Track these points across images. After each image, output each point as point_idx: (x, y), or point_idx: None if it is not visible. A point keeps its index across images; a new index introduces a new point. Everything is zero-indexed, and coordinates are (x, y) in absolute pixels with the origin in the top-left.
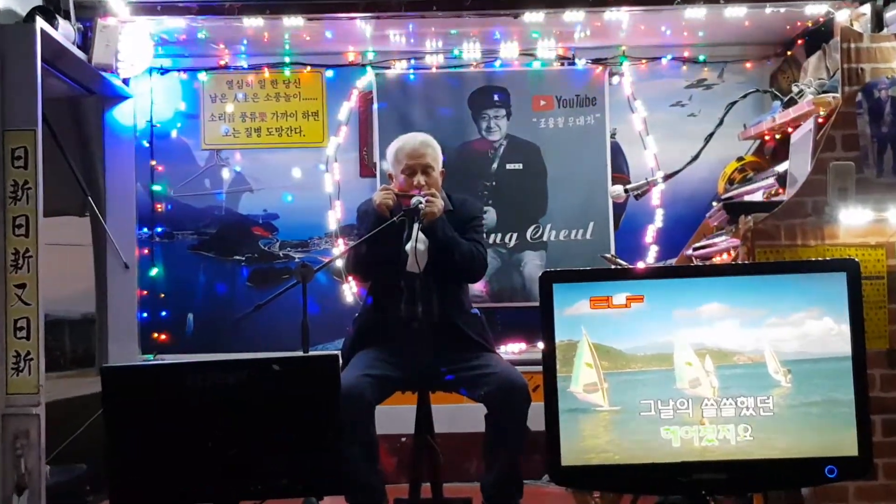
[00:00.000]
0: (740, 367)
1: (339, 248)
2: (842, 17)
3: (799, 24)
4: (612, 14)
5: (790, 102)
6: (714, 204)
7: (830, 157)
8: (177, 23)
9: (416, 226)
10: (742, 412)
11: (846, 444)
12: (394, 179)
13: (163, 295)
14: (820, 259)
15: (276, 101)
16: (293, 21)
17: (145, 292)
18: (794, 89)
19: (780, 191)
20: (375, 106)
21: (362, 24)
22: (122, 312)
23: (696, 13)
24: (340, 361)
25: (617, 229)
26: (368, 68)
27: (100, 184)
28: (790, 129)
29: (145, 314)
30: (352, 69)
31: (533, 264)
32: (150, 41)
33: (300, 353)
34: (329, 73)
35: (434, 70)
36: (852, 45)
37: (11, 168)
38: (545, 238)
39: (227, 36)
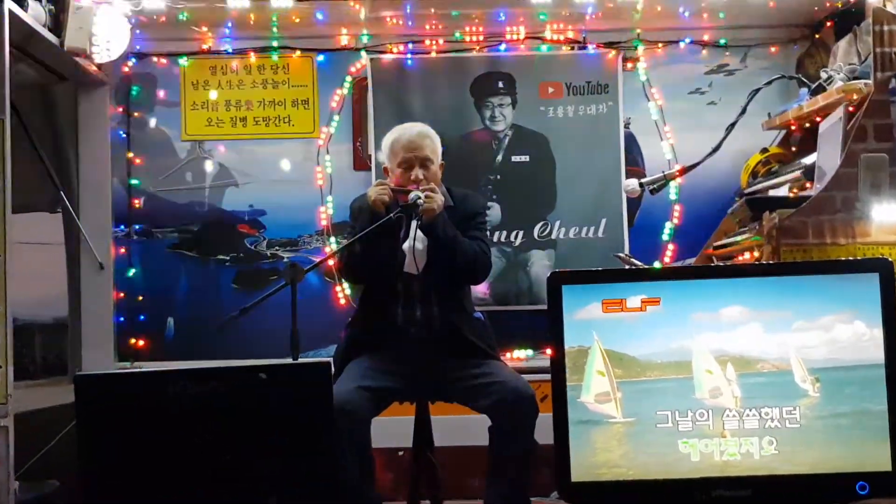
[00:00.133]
0: (764, 375)
1: (332, 247)
2: None
3: (828, 4)
4: None
5: (818, 89)
6: (736, 199)
7: (862, 149)
8: (156, 4)
9: (414, 223)
10: (766, 424)
11: (879, 458)
12: (390, 173)
13: (141, 297)
14: (850, 259)
15: (263, 88)
16: (281, 1)
17: (122, 295)
18: (823, 75)
19: (808, 185)
20: (370, 94)
21: (356, 5)
22: (96, 316)
23: None
24: (333, 370)
25: (631, 227)
26: (363, 53)
27: (73, 177)
28: (818, 119)
29: (122, 318)
30: (345, 54)
31: (540, 264)
32: (126, 23)
33: (289, 361)
34: (320, 58)
35: (434, 55)
36: (885, 28)
37: None
38: (554, 236)
39: (209, 18)
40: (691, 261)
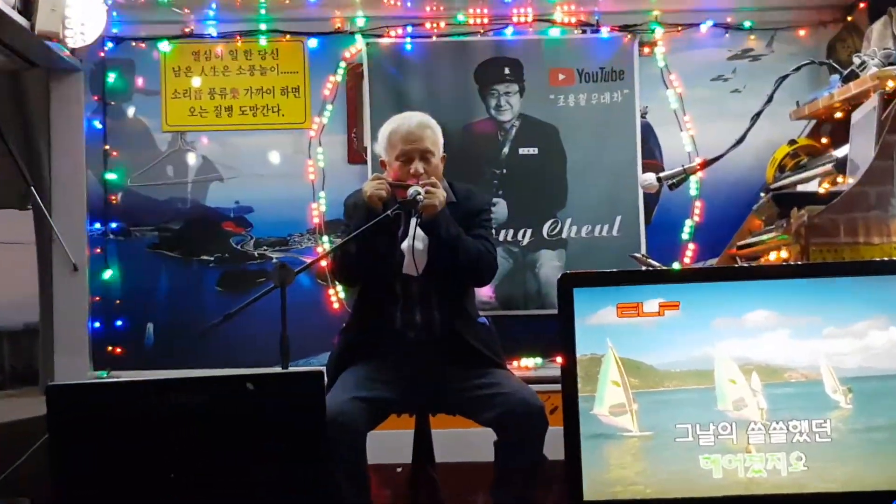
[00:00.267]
0: (792, 385)
1: (324, 246)
2: None
3: None
4: None
5: (851, 76)
6: (762, 195)
7: None
8: None
9: (413, 221)
10: (794, 438)
11: None
12: (387, 167)
13: (118, 301)
14: (885, 259)
15: (251, 74)
16: None
17: (97, 298)
18: (856, 60)
19: (839, 179)
20: (366, 81)
21: None
22: (70, 322)
23: None
24: (325, 379)
25: (648, 225)
26: (358, 37)
27: (44, 171)
28: (851, 108)
29: (98, 324)
30: (339, 38)
31: (550, 265)
32: (102, 5)
33: (278, 370)
34: (312, 43)
35: (435, 39)
36: None
37: None
38: (564, 235)
39: None
40: (713, 261)
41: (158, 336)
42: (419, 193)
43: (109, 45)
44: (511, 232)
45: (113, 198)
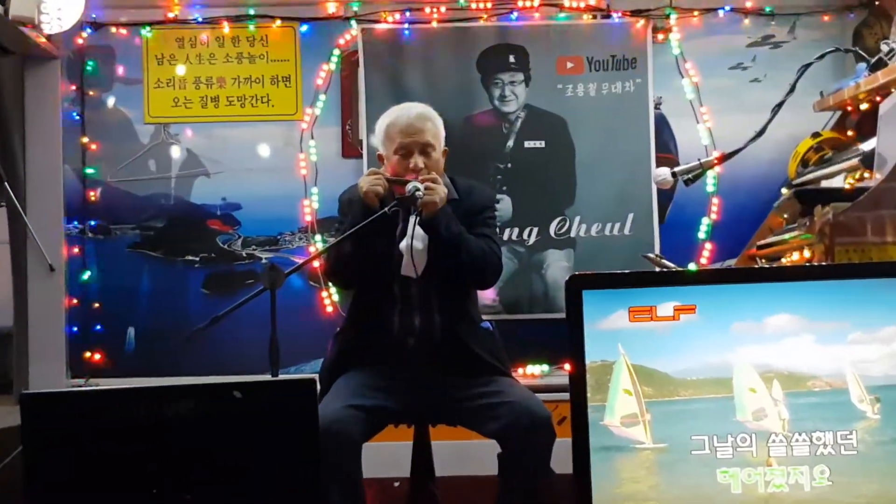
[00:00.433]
0: (816, 394)
1: (317, 246)
2: None
3: None
4: None
5: (879, 64)
6: (783, 191)
7: None
8: None
9: (412, 219)
10: (818, 451)
11: None
12: (385, 161)
13: (97, 304)
14: None
15: (238, 63)
16: None
17: (75, 301)
18: (884, 48)
19: (867, 174)
20: (362, 69)
21: None
22: (46, 326)
23: None
24: (318, 387)
25: (662, 223)
26: (353, 22)
27: (18, 165)
28: (878, 98)
29: (75, 328)
30: (332, 23)
31: (557, 266)
32: None
33: (268, 377)
34: (304, 29)
35: (434, 24)
36: None
37: None
38: (573, 234)
39: None
40: (732, 262)
41: (140, 341)
42: (418, 189)
43: (88, 31)
44: (516, 231)
45: (92, 194)
